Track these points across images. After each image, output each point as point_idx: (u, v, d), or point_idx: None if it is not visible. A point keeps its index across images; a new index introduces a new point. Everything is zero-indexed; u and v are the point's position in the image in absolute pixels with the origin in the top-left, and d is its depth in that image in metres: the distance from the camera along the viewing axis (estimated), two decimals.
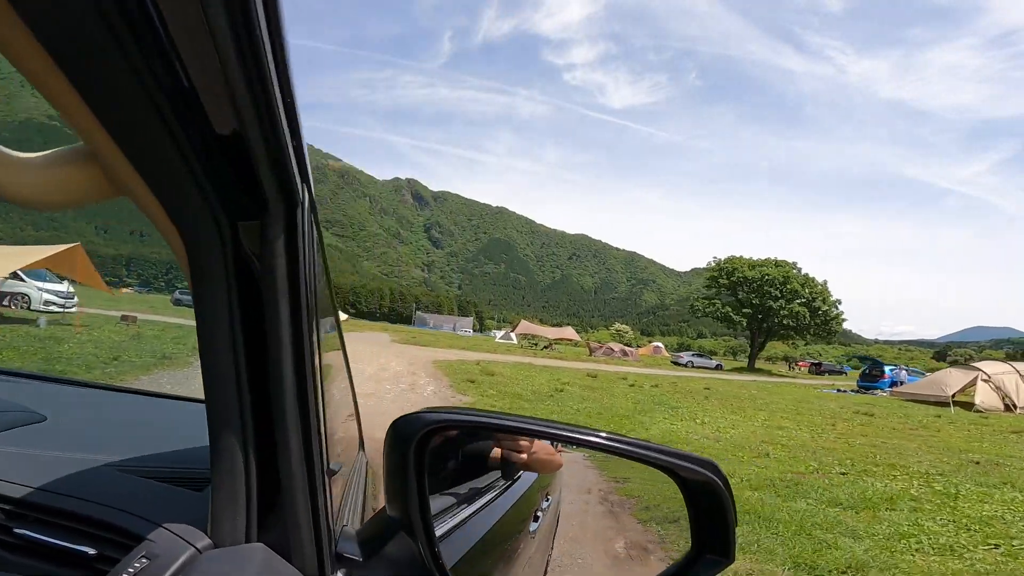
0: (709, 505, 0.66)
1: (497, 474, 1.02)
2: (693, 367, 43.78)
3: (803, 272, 46.98)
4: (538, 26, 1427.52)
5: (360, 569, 0.64)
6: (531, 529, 1.12)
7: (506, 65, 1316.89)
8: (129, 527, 0.62)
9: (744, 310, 47.31)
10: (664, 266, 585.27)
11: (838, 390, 26.96)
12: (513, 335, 68.48)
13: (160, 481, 0.76)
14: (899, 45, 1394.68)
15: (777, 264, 47.82)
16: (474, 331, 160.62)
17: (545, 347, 47.20)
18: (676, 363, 45.02)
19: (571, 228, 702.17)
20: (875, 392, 26.28)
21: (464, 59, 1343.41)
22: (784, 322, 46.14)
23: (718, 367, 46.02)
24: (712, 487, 0.66)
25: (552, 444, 0.99)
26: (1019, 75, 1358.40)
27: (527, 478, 1.10)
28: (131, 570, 0.54)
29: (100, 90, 0.36)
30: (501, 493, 1.04)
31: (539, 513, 1.17)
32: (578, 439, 0.72)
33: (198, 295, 0.51)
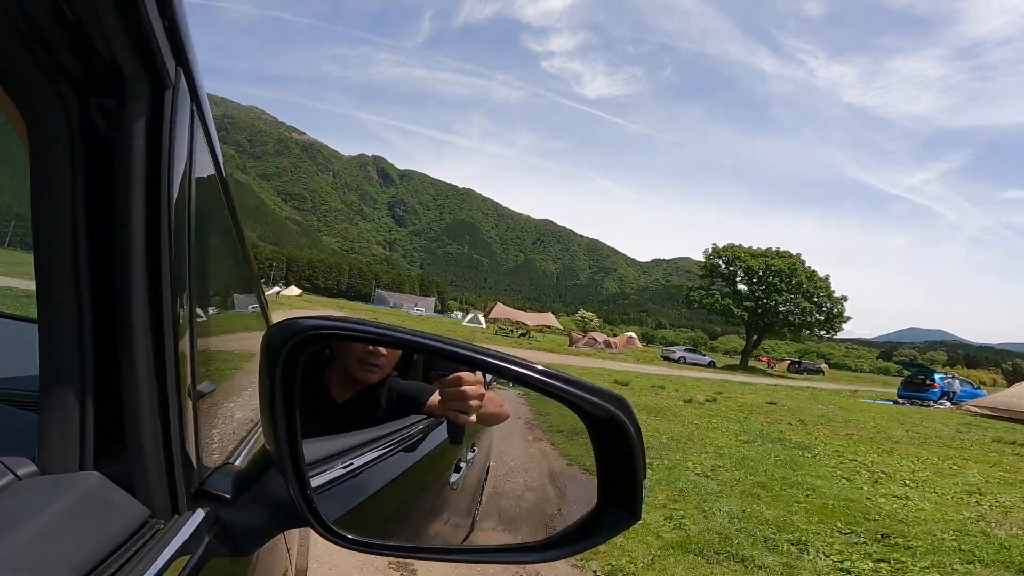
0: (616, 450, 0.60)
1: (416, 418, 0.94)
2: (686, 363, 39.91)
3: (807, 265, 43.32)
4: (520, 12, 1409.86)
5: (226, 508, 0.57)
6: (451, 480, 1.03)
7: (485, 49, 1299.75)
8: None
9: (746, 303, 43.65)
10: (626, 256, 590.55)
11: (895, 401, 22.90)
12: (482, 318, 63.49)
13: None
14: (869, 52, 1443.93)
15: (779, 255, 44.20)
16: (435, 312, 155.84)
17: (522, 334, 42.41)
18: (667, 358, 41.10)
19: (537, 213, 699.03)
20: (928, 404, 22.38)
21: (443, 40, 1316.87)
22: (791, 318, 42.68)
23: (711, 364, 42.35)
24: (618, 424, 0.58)
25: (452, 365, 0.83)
26: (978, 86, 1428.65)
27: (447, 425, 0.97)
28: None
29: None
30: (418, 438, 0.95)
31: (462, 464, 1.06)
32: (480, 361, 0.63)
33: (36, 184, 0.43)
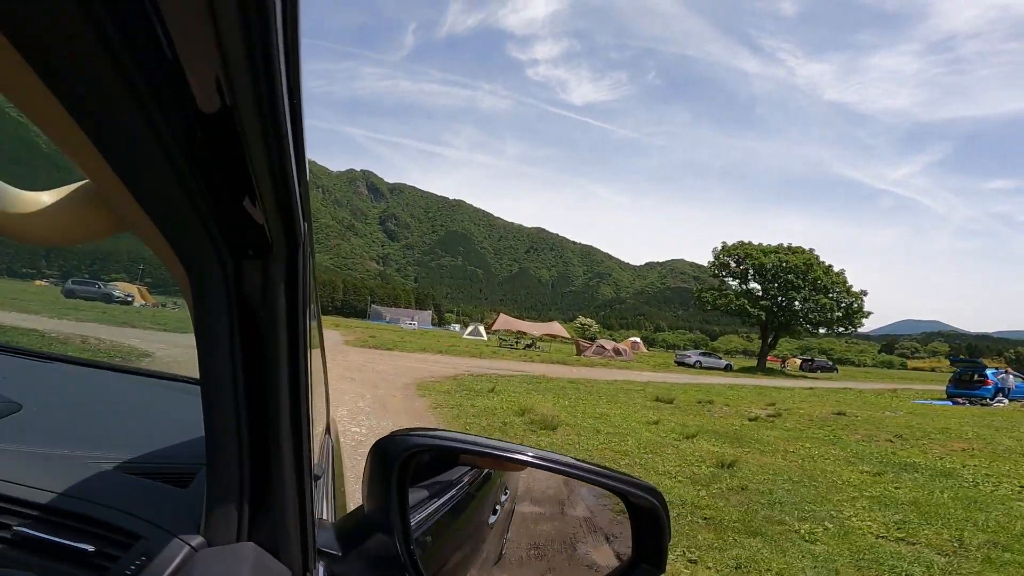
0: (650, 524, 0.78)
1: (462, 469, 1.07)
2: (701, 367, 38.08)
3: (821, 260, 41.48)
4: (503, 21, 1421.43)
5: (339, 564, 0.67)
6: (490, 521, 1.17)
7: (470, 59, 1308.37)
8: (124, 525, 0.63)
9: (763, 302, 41.84)
10: (620, 260, 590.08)
11: (953, 401, 21.01)
12: (482, 330, 61.39)
13: (145, 477, 0.77)
14: (846, 49, 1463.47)
15: (792, 250, 42.53)
16: (433, 324, 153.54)
17: (528, 345, 40.39)
18: (682, 363, 39.07)
19: (529, 221, 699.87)
20: (984, 402, 20.53)
21: (428, 52, 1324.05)
22: (811, 316, 40.88)
23: (727, 367, 40.48)
24: (655, 512, 0.76)
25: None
26: (952, 80, 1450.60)
27: (488, 472, 1.16)
28: (132, 568, 0.56)
29: (108, 131, 0.35)
30: (466, 488, 1.08)
31: (498, 507, 1.22)
32: (544, 465, 0.78)
33: (200, 329, 0.52)
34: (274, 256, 0.50)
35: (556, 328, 46.54)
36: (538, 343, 42.04)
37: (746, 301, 41.77)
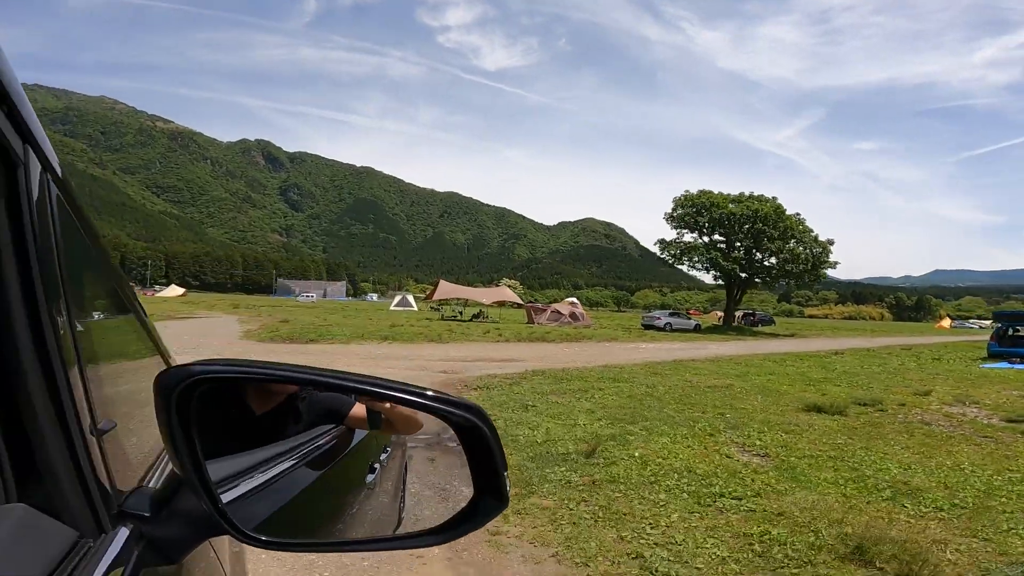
0: (479, 450, 0.69)
1: (324, 428, 1.05)
2: (672, 330, 34.51)
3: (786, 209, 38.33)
4: None
5: (148, 524, 0.63)
6: (368, 481, 1.14)
7: (378, 26, 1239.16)
8: None
9: (734, 254, 38.49)
10: (533, 220, 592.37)
11: (1009, 363, 17.39)
12: (411, 299, 55.22)
13: None
14: (736, 17, 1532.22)
15: (758, 199, 39.03)
16: (348, 296, 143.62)
17: (475, 316, 35.20)
18: (650, 326, 35.20)
19: (442, 186, 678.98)
20: None
21: (332, 19, 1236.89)
22: (787, 267, 37.74)
23: (696, 328, 37.01)
24: (480, 433, 0.68)
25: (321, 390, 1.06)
26: (828, 50, 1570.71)
27: (360, 432, 1.12)
28: None
29: None
30: (336, 445, 1.04)
31: (376, 465, 1.19)
32: (357, 388, 0.72)
33: None
34: None
35: (507, 294, 41.17)
36: (485, 312, 36.81)
37: (718, 254, 38.46)
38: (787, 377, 12.42)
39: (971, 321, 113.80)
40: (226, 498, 0.67)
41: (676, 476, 4.73)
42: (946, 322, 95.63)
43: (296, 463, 0.90)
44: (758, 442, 6.08)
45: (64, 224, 0.61)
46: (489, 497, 0.70)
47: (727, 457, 5.47)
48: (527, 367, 12.61)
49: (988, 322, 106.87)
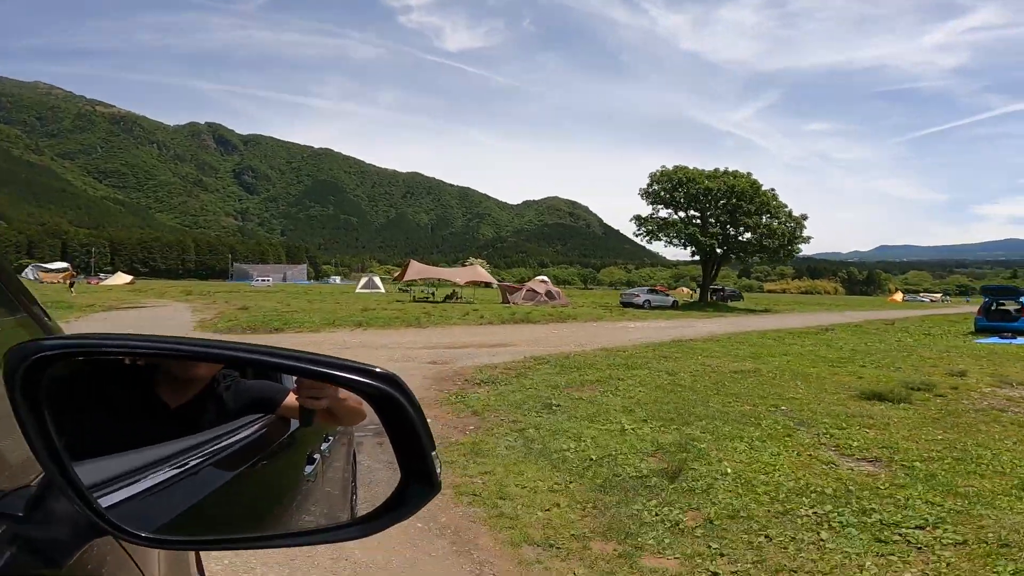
0: (401, 427, 0.60)
1: (251, 418, 0.97)
2: (651, 307, 33.48)
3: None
4: None
5: (20, 524, 0.57)
6: (306, 472, 1.06)
7: (337, 7, 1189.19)
8: None
9: (712, 230, 37.64)
10: (497, 200, 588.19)
11: (1001, 337, 17.11)
12: (378, 281, 53.11)
13: None
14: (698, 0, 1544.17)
15: (734, 174, 38.18)
16: (310, 279, 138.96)
17: (448, 297, 33.73)
18: (630, 304, 34.07)
19: (404, 167, 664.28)
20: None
21: (288, 1, 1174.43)
22: (764, 243, 36.93)
23: (675, 304, 36.34)
24: (397, 404, 0.59)
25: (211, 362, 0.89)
26: (784, 33, 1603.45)
27: (294, 421, 1.01)
28: None
29: None
30: (266, 435, 0.97)
31: (315, 456, 1.11)
32: (242, 357, 0.64)
33: None
34: None
35: (480, 273, 39.45)
36: (459, 293, 35.28)
37: (696, 230, 37.55)
38: (803, 358, 11.53)
39: (921, 294, 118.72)
40: (118, 497, 0.61)
41: (804, 500, 3.60)
42: (898, 296, 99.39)
43: (215, 456, 0.82)
44: (852, 443, 4.99)
45: None
46: (416, 482, 0.61)
47: (831, 465, 4.38)
48: (523, 353, 11.37)
49: (938, 295, 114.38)
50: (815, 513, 3.41)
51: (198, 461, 0.78)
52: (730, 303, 47.90)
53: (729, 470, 4.14)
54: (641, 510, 3.45)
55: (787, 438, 5.16)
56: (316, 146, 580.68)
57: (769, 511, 3.44)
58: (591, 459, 4.39)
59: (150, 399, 0.90)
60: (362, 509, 0.81)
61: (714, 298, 47.47)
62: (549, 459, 4.36)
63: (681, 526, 3.24)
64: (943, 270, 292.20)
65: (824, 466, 4.37)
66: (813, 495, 3.70)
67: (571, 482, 3.86)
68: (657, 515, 3.38)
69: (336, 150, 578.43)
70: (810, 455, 4.64)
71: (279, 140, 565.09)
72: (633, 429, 5.32)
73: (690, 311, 34.21)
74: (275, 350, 0.61)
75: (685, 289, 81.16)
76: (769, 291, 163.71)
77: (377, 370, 0.59)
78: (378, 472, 1.02)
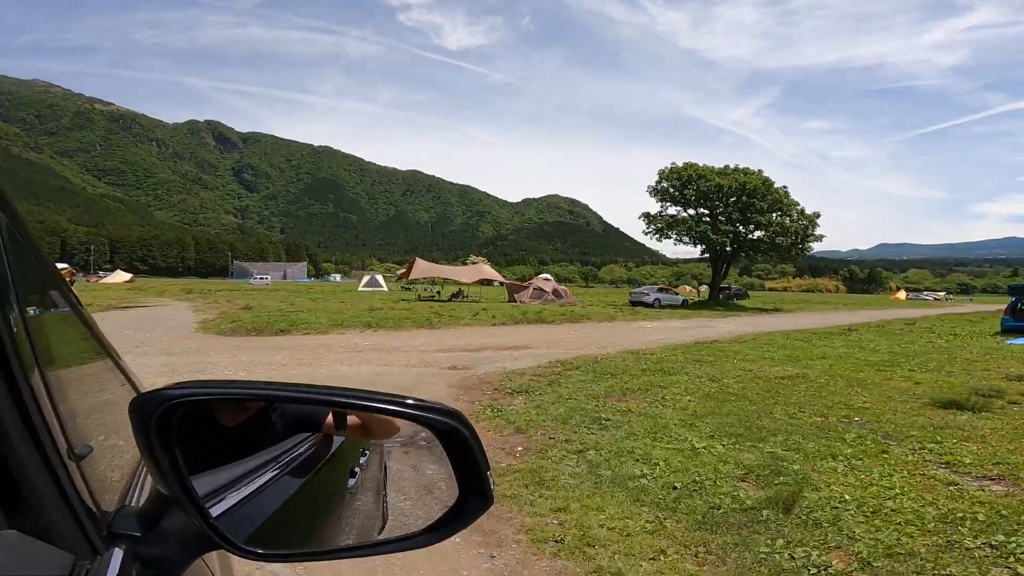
0: (461, 452, 0.70)
1: (301, 437, 1.05)
2: (661, 306, 32.76)
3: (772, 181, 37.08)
4: None
5: (140, 544, 0.63)
6: (349, 486, 1.16)
7: (335, 4, 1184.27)
8: None
9: (724, 227, 36.85)
10: (497, 198, 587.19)
11: None
12: (380, 279, 52.44)
13: None
14: None
15: (745, 171, 37.48)
16: (310, 277, 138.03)
17: (454, 296, 33.11)
18: (639, 303, 33.30)
19: (404, 165, 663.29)
20: None
21: None
22: (777, 240, 36.17)
23: (684, 303, 35.68)
24: (459, 435, 0.69)
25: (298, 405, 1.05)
26: (784, 31, 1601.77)
27: (336, 438, 1.12)
28: None
29: None
30: (313, 453, 1.05)
31: (356, 469, 1.21)
32: (333, 400, 0.73)
33: None
34: None
35: (486, 271, 38.65)
36: (466, 292, 34.60)
37: (707, 227, 36.79)
38: (844, 361, 10.92)
39: (924, 293, 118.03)
40: (215, 512, 0.67)
41: (961, 529, 3.07)
42: (901, 294, 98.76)
43: (278, 473, 0.90)
44: (963, 459, 4.39)
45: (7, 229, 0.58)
46: (474, 497, 0.71)
47: (955, 486, 3.81)
48: (544, 356, 10.75)
49: (941, 293, 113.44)
50: (987, 544, 2.83)
51: (265, 478, 0.84)
52: (737, 301, 47.33)
53: (847, 496, 3.53)
54: (770, 553, 2.84)
55: (883, 455, 4.55)
56: (316, 144, 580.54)
57: (928, 544, 2.86)
58: (674, 487, 3.76)
59: (212, 422, 0.99)
60: (392, 515, 1.01)
61: (721, 296, 46.85)
62: (626, 489, 3.73)
63: (831, 570, 2.62)
64: (943, 268, 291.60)
65: (947, 487, 3.79)
66: (968, 523, 3.12)
67: (665, 519, 3.23)
68: (793, 558, 2.77)
69: (336, 148, 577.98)
70: (923, 474, 4.05)
71: (278, 138, 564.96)
72: (706, 448, 4.69)
73: (701, 310, 33.56)
74: (362, 393, 0.71)
75: (687, 287, 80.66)
76: (771, 289, 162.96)
77: (444, 407, 0.70)
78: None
